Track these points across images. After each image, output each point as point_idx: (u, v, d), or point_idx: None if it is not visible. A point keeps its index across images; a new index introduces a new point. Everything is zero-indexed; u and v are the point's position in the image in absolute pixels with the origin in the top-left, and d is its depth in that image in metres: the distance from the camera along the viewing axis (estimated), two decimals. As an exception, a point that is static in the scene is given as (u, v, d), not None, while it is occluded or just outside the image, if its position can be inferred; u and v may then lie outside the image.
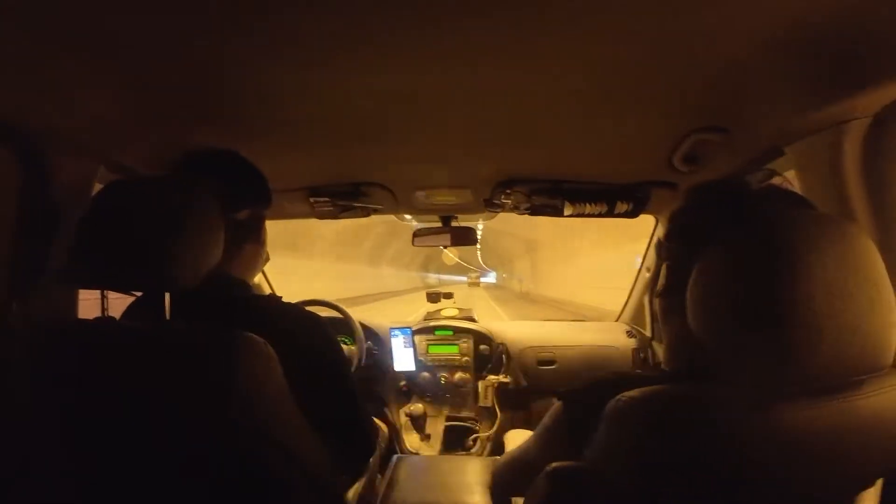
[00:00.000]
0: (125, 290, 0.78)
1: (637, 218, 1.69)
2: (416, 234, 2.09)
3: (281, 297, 1.00)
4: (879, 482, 0.62)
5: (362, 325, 2.08)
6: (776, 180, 0.73)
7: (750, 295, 0.54)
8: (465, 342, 2.29)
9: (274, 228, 1.13)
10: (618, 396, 0.61)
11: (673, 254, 0.73)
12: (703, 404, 0.56)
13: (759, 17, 0.69)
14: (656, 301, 0.78)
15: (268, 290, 2.26)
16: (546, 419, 0.86)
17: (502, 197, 1.62)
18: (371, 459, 1.30)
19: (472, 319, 2.44)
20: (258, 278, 2.15)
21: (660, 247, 0.77)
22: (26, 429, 0.71)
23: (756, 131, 1.07)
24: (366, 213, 1.76)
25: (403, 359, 2.16)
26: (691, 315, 0.60)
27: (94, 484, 0.70)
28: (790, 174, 1.06)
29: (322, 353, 0.94)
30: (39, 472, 0.71)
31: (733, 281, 0.56)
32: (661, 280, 0.74)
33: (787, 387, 0.54)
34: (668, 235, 0.75)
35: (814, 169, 0.97)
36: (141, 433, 0.69)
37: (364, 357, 1.97)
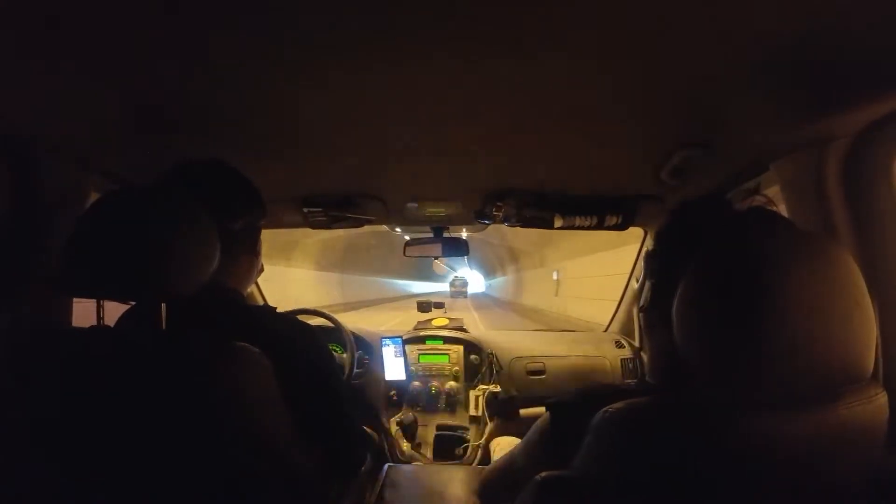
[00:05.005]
0: (120, 299, 0.79)
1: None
2: (408, 244, 2.10)
3: (275, 308, 1.01)
4: None
5: (353, 334, 2.08)
6: (758, 200, 0.76)
7: (731, 309, 0.56)
8: (455, 352, 2.29)
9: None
10: (604, 408, 0.62)
11: (657, 270, 0.75)
12: (685, 415, 0.58)
13: (743, 38, 0.71)
14: (641, 315, 0.79)
15: (260, 301, 2.26)
16: (534, 429, 0.88)
17: (493, 209, 1.64)
18: (362, 468, 1.31)
19: (463, 329, 2.44)
20: (251, 288, 2.15)
21: (647, 259, 0.79)
22: (17, 435, 0.72)
23: (740, 148, 1.09)
24: (358, 223, 1.77)
25: (394, 368, 2.16)
26: (676, 328, 0.62)
27: (82, 489, 0.70)
28: (774, 191, 1.09)
29: (315, 363, 0.95)
30: (30, 477, 0.71)
31: (715, 295, 0.57)
32: (646, 294, 0.76)
33: (766, 397, 0.55)
34: (654, 252, 0.77)
35: (797, 185, 0.99)
36: (133, 440, 0.69)
37: (355, 366, 1.98)
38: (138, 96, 0.90)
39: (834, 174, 0.91)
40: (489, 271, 38.41)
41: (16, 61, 0.76)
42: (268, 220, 1.06)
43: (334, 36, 0.72)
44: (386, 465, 1.78)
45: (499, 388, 2.14)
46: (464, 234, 2.25)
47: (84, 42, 0.73)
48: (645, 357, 2.11)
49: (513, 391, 2.14)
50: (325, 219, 1.71)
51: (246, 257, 1.00)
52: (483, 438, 2.14)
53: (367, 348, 2.19)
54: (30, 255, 1.03)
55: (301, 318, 1.01)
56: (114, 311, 0.86)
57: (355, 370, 1.98)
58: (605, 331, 2.46)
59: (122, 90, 0.88)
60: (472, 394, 2.18)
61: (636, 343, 2.21)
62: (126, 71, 0.81)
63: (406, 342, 2.24)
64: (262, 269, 1.10)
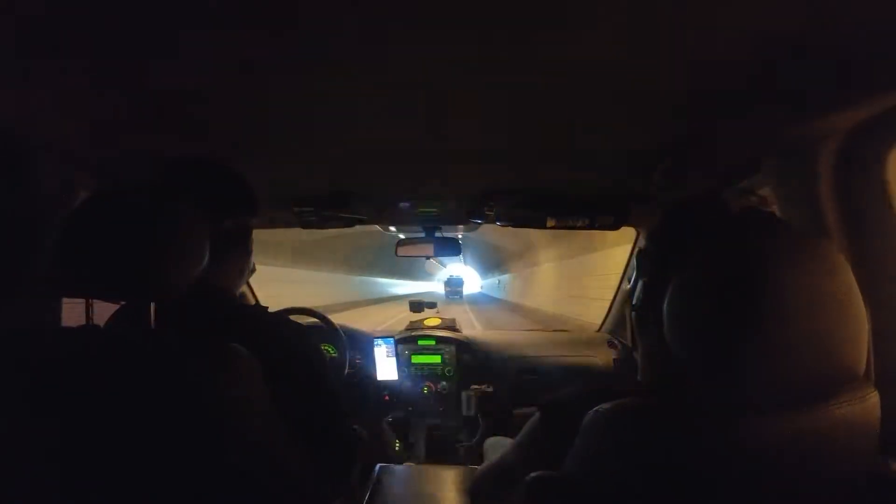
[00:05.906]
0: (109, 299, 0.78)
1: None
2: (400, 243, 2.10)
3: (267, 308, 1.00)
4: None
5: (345, 333, 2.08)
6: (752, 200, 0.76)
7: (726, 309, 0.55)
8: (447, 352, 2.29)
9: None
10: (594, 408, 0.62)
11: (651, 269, 0.75)
12: (676, 416, 0.58)
13: (734, 38, 0.71)
14: (633, 314, 0.79)
15: (252, 301, 2.25)
16: (525, 429, 0.87)
17: (485, 209, 1.64)
18: (354, 469, 1.30)
19: (455, 329, 2.44)
20: (243, 288, 2.13)
21: (640, 259, 0.79)
22: (11, 436, 0.71)
23: (732, 147, 1.09)
24: (349, 223, 1.77)
25: (386, 368, 2.15)
26: (667, 328, 0.62)
27: (73, 491, 0.70)
28: (766, 189, 1.09)
29: (308, 364, 0.94)
30: (18, 478, 0.71)
31: (708, 296, 0.57)
32: (639, 294, 0.76)
33: (759, 398, 0.55)
34: (646, 252, 0.77)
35: (789, 184, 0.99)
36: (122, 441, 0.69)
37: (347, 366, 1.97)
38: (131, 96, 0.89)
39: (825, 172, 0.92)
40: (488, 268, 36.27)
41: (15, 61, 0.76)
42: (258, 219, 1.06)
43: (330, 38, 0.71)
44: (378, 466, 1.78)
45: (491, 389, 2.14)
46: (460, 236, 2.25)
47: (83, 41, 0.72)
48: (637, 357, 2.12)
49: (505, 391, 2.14)
50: (316, 218, 1.70)
51: (238, 257, 0.99)
52: (475, 439, 2.14)
53: (359, 348, 2.18)
54: (27, 255, 1.03)
55: (293, 317, 1.00)
56: (101, 309, 0.85)
57: (347, 370, 1.98)
58: (598, 331, 2.46)
59: (115, 90, 0.87)
60: (465, 394, 2.18)
61: (629, 343, 2.21)
62: (120, 71, 0.81)
63: (398, 342, 2.23)
64: (253, 269, 1.09)
